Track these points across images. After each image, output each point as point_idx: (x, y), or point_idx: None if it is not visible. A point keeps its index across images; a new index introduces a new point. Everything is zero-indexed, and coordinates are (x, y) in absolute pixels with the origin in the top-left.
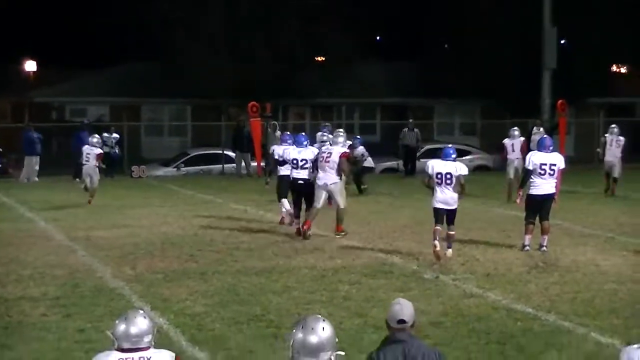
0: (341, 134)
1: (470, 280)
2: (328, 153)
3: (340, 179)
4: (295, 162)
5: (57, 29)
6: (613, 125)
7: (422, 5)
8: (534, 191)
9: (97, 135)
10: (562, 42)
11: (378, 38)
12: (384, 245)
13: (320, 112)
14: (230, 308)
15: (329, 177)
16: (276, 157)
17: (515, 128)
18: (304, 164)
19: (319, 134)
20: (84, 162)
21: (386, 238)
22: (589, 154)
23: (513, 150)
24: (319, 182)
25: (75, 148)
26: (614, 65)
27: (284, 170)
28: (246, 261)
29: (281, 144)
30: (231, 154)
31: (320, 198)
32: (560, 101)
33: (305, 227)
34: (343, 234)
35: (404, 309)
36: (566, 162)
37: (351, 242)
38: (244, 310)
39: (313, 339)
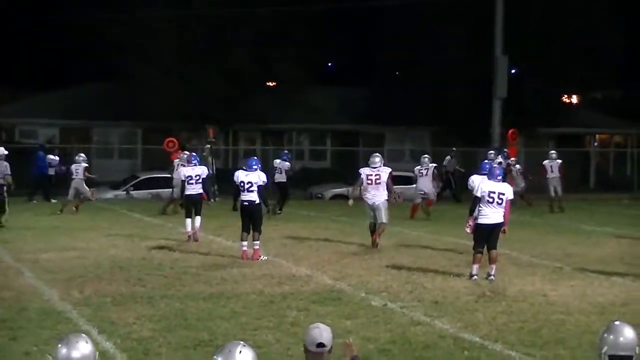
0: (378, 157)
1: (418, 308)
2: (377, 175)
3: (388, 196)
4: (242, 184)
5: (7, 51)
6: (552, 152)
7: (374, 32)
8: (482, 220)
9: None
10: (513, 71)
11: (329, 64)
12: (332, 271)
13: (271, 138)
14: (178, 333)
15: (377, 196)
16: (236, 181)
17: (553, 151)
18: (250, 186)
19: (277, 161)
20: (72, 177)
21: (335, 264)
22: (540, 183)
23: (552, 171)
24: (369, 200)
25: (39, 169)
26: (564, 96)
27: (190, 190)
28: (194, 286)
29: (188, 165)
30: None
31: (371, 214)
32: (511, 130)
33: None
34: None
35: (323, 332)
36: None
37: (300, 268)
38: (191, 335)
39: None
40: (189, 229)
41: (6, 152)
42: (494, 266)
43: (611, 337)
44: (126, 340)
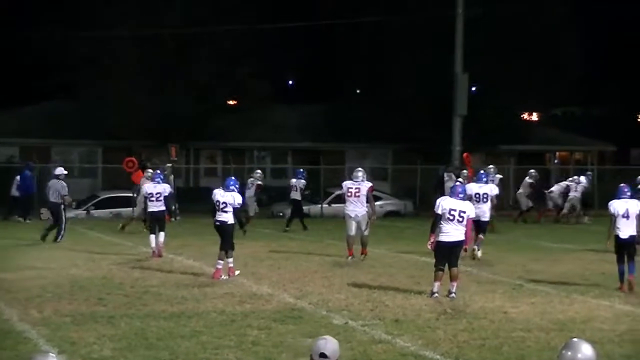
0: (360, 171)
1: (379, 326)
2: (357, 188)
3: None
4: (217, 204)
5: None
6: (490, 166)
7: (334, 50)
8: (443, 238)
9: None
10: (474, 89)
11: (291, 82)
12: (294, 290)
13: (232, 156)
14: (138, 352)
15: (358, 209)
16: (213, 199)
17: (491, 166)
18: (224, 207)
19: (294, 180)
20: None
21: (296, 283)
22: (500, 200)
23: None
24: (350, 213)
25: (25, 188)
26: (524, 113)
27: (152, 207)
28: (155, 305)
29: (152, 182)
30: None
31: (352, 226)
32: (465, 154)
33: (352, 254)
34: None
35: (328, 344)
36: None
37: (261, 287)
38: (152, 354)
39: None
40: (153, 245)
41: (65, 172)
42: (455, 284)
43: (570, 354)
44: None
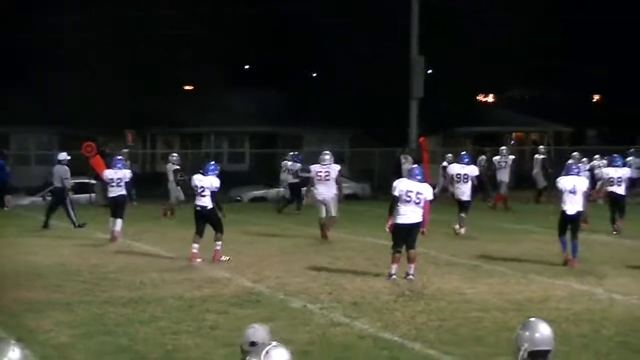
0: (328, 154)
1: (337, 309)
2: (326, 171)
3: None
4: (196, 188)
5: None
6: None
7: (290, 35)
8: (400, 220)
9: None
10: (429, 71)
11: (247, 66)
12: (252, 274)
13: (189, 141)
14: (97, 339)
15: (328, 191)
16: (192, 184)
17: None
18: (202, 191)
19: (288, 163)
20: None
21: (254, 267)
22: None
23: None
24: (319, 196)
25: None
26: (480, 95)
27: (112, 192)
28: (113, 291)
29: (113, 168)
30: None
31: (322, 209)
32: (421, 138)
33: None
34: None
35: (257, 332)
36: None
37: (219, 272)
38: (110, 340)
39: None
40: (116, 228)
41: (68, 157)
42: (412, 265)
43: (528, 334)
44: (44, 348)
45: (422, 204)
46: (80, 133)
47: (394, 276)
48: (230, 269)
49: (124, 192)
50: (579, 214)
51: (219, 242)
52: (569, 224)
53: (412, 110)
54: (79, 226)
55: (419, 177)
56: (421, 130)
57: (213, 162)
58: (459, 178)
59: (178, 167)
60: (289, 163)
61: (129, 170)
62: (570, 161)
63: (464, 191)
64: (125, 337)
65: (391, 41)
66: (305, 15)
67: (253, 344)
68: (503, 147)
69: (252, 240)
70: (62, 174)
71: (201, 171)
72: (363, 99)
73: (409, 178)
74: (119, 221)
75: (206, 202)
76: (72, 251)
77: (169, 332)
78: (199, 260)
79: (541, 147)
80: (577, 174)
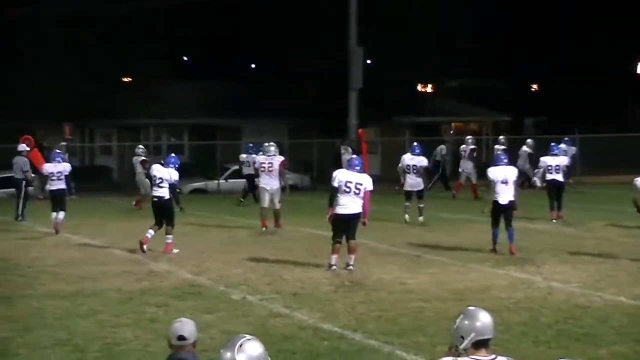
0: (273, 146)
1: (277, 300)
2: (269, 163)
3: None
4: (154, 179)
5: None
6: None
7: (230, 25)
8: (340, 210)
9: None
10: (369, 62)
11: (186, 58)
12: (191, 266)
13: (128, 134)
14: (36, 333)
15: (272, 182)
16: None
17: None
18: (160, 182)
19: (244, 155)
20: None
21: (194, 259)
22: (396, 172)
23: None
24: (264, 186)
25: None
26: (419, 85)
27: (53, 186)
28: (52, 285)
29: (52, 162)
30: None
31: (265, 199)
32: (360, 130)
33: (266, 226)
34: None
35: (185, 325)
36: (374, 181)
37: (159, 264)
38: (50, 334)
39: None
40: (54, 219)
41: (28, 149)
42: (353, 256)
43: (473, 323)
44: None
45: (361, 195)
46: (17, 125)
47: (334, 267)
48: (170, 262)
49: (64, 185)
50: (511, 203)
51: (170, 236)
52: (502, 213)
53: (352, 101)
54: (21, 220)
55: (358, 168)
56: (361, 121)
57: (174, 155)
58: (408, 169)
59: (145, 158)
60: (244, 155)
61: (68, 164)
62: (499, 152)
63: (417, 182)
64: (64, 330)
65: (330, 31)
66: (243, 6)
67: (182, 337)
68: (469, 137)
69: (192, 233)
70: (21, 165)
71: (162, 162)
72: (302, 90)
73: (348, 169)
74: (61, 213)
75: (163, 193)
76: (11, 245)
77: (109, 325)
78: (145, 247)
79: (529, 140)
80: (507, 163)
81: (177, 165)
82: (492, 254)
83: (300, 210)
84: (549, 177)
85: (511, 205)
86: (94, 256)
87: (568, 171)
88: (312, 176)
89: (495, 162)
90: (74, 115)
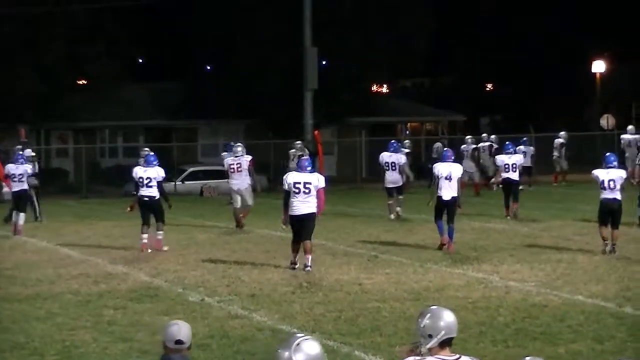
0: (240, 147)
1: (235, 302)
2: (238, 163)
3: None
4: (141, 180)
5: None
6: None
7: (185, 27)
8: (293, 212)
9: None
10: (324, 62)
11: (141, 59)
12: (149, 268)
13: (83, 135)
14: None
15: (241, 182)
16: (135, 177)
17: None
18: (149, 182)
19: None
20: None
21: (152, 261)
22: (353, 172)
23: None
24: (234, 186)
25: None
26: (374, 85)
27: (15, 187)
28: (9, 288)
29: (15, 163)
30: None
31: (237, 199)
32: (315, 131)
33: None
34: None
35: (182, 329)
36: (327, 182)
37: (116, 266)
38: (7, 338)
39: None
40: (19, 222)
41: (33, 154)
42: (309, 257)
43: (441, 322)
44: None
45: (313, 193)
46: None
47: (295, 265)
48: (127, 264)
49: (26, 186)
50: (454, 199)
51: (161, 232)
52: (445, 209)
53: (307, 101)
54: (40, 220)
55: (308, 169)
56: (316, 121)
57: (152, 153)
58: (387, 166)
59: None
60: (225, 153)
61: (29, 165)
62: (445, 149)
63: (397, 178)
64: (21, 334)
65: (286, 30)
66: (199, 6)
67: (179, 342)
68: (469, 137)
69: (149, 235)
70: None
71: (142, 164)
72: (258, 90)
73: (297, 170)
74: (22, 215)
75: (153, 192)
76: None
77: (67, 328)
78: (149, 250)
79: (562, 133)
80: (453, 160)
81: (158, 163)
82: (443, 251)
83: (257, 211)
84: (504, 175)
85: (454, 202)
86: (50, 259)
87: (528, 171)
88: (268, 177)
89: (442, 159)
90: (27, 118)
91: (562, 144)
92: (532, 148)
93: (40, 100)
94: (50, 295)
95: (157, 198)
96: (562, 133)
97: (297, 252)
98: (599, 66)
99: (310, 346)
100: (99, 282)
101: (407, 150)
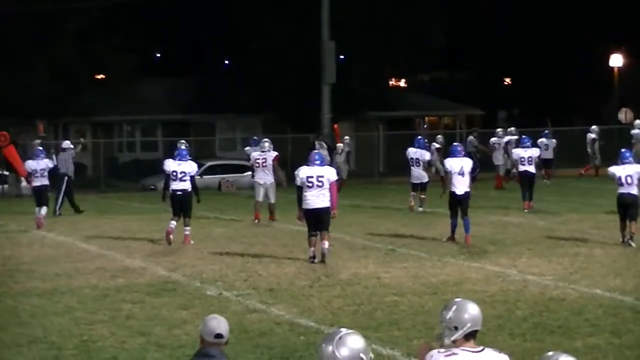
0: (267, 142)
1: (253, 296)
2: (263, 158)
3: (274, 178)
4: (175, 174)
5: None
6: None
7: (201, 21)
8: (307, 206)
9: None
10: (342, 57)
11: (158, 55)
12: (167, 262)
13: (101, 130)
14: (11, 330)
15: (266, 177)
16: (167, 171)
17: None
18: (183, 176)
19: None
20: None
21: (169, 255)
22: (370, 167)
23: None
24: (259, 180)
25: None
26: (392, 79)
27: (36, 182)
28: (27, 282)
29: (34, 159)
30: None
31: (260, 193)
32: (334, 125)
33: (258, 219)
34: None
35: (221, 324)
36: (342, 175)
37: (134, 261)
38: (25, 332)
39: None
40: (40, 214)
41: (72, 146)
42: (326, 242)
43: (467, 314)
44: None
45: (326, 187)
46: None
47: (314, 259)
48: (145, 258)
49: (46, 182)
50: (467, 194)
51: (188, 227)
52: (458, 204)
53: (325, 96)
54: (59, 214)
55: (317, 162)
56: (334, 116)
57: (183, 147)
58: (412, 162)
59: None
60: (249, 148)
61: (49, 160)
62: (455, 144)
63: (422, 174)
64: (39, 328)
65: (304, 25)
66: (215, 1)
67: (219, 335)
68: (499, 129)
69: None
70: (65, 160)
71: (174, 157)
72: (276, 85)
73: (308, 164)
74: (44, 209)
75: (187, 185)
76: None
77: (84, 323)
78: (171, 236)
79: (594, 127)
80: (463, 155)
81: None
82: (461, 245)
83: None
84: (521, 168)
85: (467, 196)
86: (68, 253)
87: (549, 164)
88: (286, 171)
89: (453, 154)
90: (47, 113)
91: (593, 140)
92: (554, 141)
93: (57, 96)
94: (68, 289)
95: (189, 192)
96: (593, 127)
97: (315, 246)
98: (617, 60)
99: (353, 340)
100: (117, 277)
101: (438, 146)
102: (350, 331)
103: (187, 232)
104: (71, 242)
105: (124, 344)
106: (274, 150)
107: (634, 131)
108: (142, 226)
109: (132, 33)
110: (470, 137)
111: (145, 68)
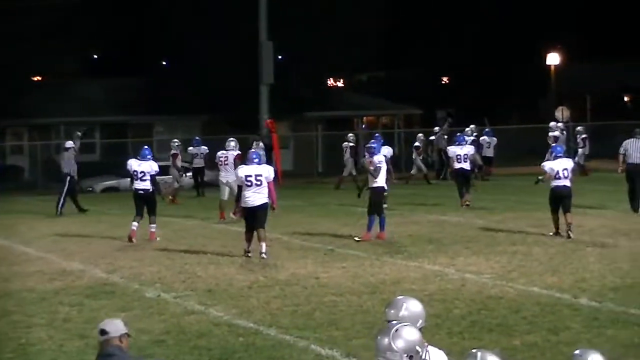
0: (232, 141)
1: (192, 297)
2: (225, 157)
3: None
4: (135, 173)
5: None
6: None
7: (139, 22)
8: (246, 204)
9: None
10: (280, 57)
11: (95, 56)
12: (105, 265)
13: (38, 132)
14: None
15: (229, 176)
16: (130, 170)
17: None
18: (143, 175)
19: (191, 148)
20: None
21: (108, 257)
22: (309, 167)
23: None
24: (222, 179)
25: None
26: (330, 79)
27: None
28: None
29: None
30: None
31: (224, 192)
32: (269, 120)
33: (223, 217)
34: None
35: (108, 321)
36: (283, 176)
37: (72, 263)
38: None
39: None
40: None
41: (74, 145)
42: (264, 244)
43: (419, 310)
44: None
45: (264, 185)
46: None
47: (249, 253)
48: (83, 261)
49: (147, 186)
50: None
51: (154, 225)
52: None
53: (263, 96)
54: (60, 215)
55: (256, 161)
56: (272, 116)
57: (148, 147)
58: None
59: (177, 152)
60: (192, 148)
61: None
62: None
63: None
64: None
65: (244, 25)
66: (154, 2)
67: (103, 332)
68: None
69: (104, 231)
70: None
71: (137, 157)
72: (215, 85)
73: (246, 163)
74: None
75: (147, 185)
76: None
77: (22, 326)
78: (134, 240)
79: (579, 127)
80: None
81: (152, 156)
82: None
83: (213, 206)
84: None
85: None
86: (5, 256)
87: (489, 161)
88: None
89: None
90: None
91: (583, 139)
92: (495, 139)
93: None
94: (5, 293)
95: (151, 191)
96: (579, 128)
97: (251, 241)
98: (553, 59)
99: (409, 332)
100: (55, 279)
101: (471, 139)
102: (405, 323)
103: (152, 230)
104: (9, 245)
105: (62, 347)
106: (212, 150)
107: (554, 133)
108: (81, 228)
109: (69, 34)
110: (483, 137)
111: (84, 69)
